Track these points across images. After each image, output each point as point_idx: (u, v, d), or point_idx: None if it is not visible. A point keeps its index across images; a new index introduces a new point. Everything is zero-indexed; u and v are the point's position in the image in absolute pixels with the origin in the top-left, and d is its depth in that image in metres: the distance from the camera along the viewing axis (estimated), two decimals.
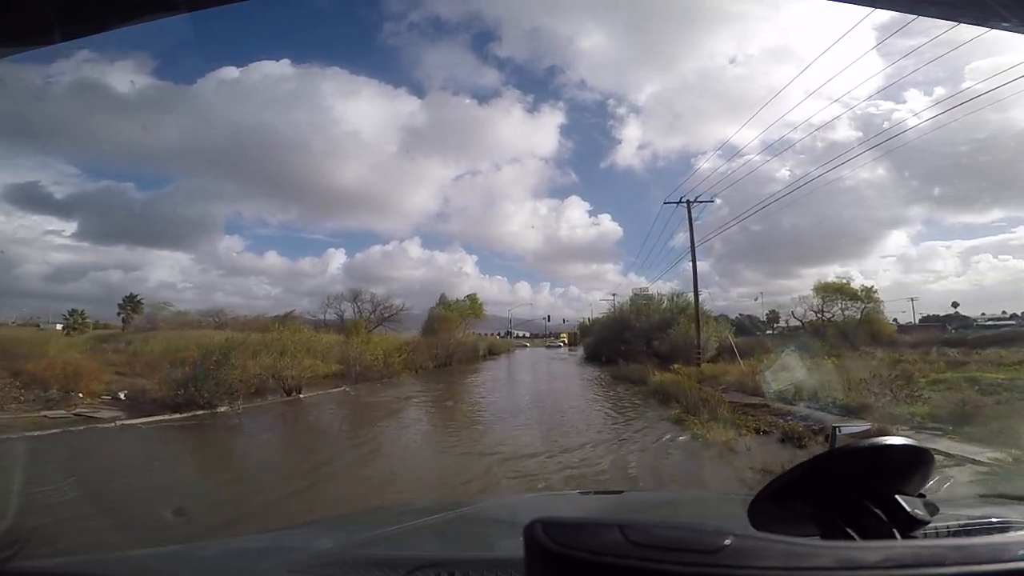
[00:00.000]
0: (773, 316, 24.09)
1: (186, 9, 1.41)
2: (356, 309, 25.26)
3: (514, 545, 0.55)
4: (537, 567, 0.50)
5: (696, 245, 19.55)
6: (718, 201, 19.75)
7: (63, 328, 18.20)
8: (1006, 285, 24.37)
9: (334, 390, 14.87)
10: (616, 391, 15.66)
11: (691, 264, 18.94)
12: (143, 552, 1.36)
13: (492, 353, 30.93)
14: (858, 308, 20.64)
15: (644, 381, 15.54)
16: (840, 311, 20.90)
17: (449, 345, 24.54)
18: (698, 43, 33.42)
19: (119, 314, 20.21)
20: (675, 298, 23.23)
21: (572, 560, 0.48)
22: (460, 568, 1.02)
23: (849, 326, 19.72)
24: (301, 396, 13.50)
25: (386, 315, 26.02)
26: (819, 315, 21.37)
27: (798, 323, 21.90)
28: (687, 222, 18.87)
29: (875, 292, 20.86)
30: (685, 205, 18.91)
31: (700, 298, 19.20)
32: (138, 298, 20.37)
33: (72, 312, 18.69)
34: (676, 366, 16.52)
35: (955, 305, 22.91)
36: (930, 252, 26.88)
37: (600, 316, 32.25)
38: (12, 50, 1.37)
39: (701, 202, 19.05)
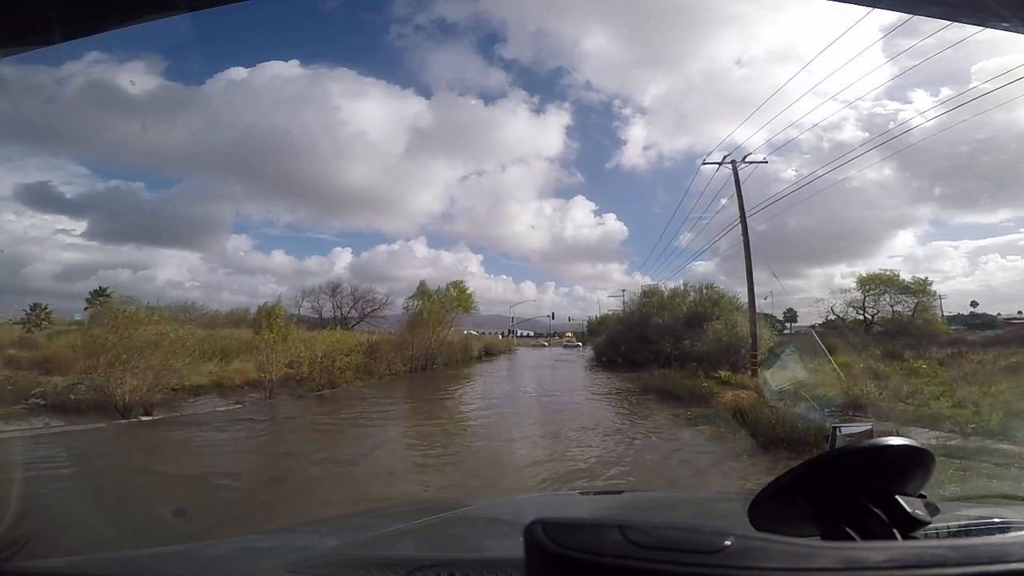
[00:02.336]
0: (791, 315, 22.86)
1: (186, 9, 1.41)
2: (335, 303, 23.08)
3: (514, 545, 0.55)
4: (537, 568, 0.50)
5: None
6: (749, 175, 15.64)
7: (22, 323, 16.55)
8: (1015, 285, 24.16)
9: (224, 408, 11.15)
10: (661, 418, 10.11)
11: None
12: (144, 552, 1.36)
13: (489, 354, 28.78)
14: (910, 303, 18.27)
15: (700, 398, 10.88)
16: (889, 306, 18.57)
17: (429, 344, 20.02)
18: (703, 45, 33.49)
19: (86, 308, 18.97)
20: (704, 289, 19.53)
21: (572, 560, 0.48)
22: (460, 568, 1.02)
23: (901, 323, 17.43)
24: (147, 418, 9.87)
25: (368, 310, 23.46)
26: (861, 311, 18.97)
27: (836, 319, 19.15)
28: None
29: (930, 284, 18.44)
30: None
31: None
32: (108, 292, 19.12)
33: (34, 307, 17.20)
34: (723, 373, 12.86)
35: (974, 304, 22.34)
36: (938, 252, 26.71)
37: (610, 313, 30.17)
38: (12, 50, 1.37)
39: (751, 163, 15.11)
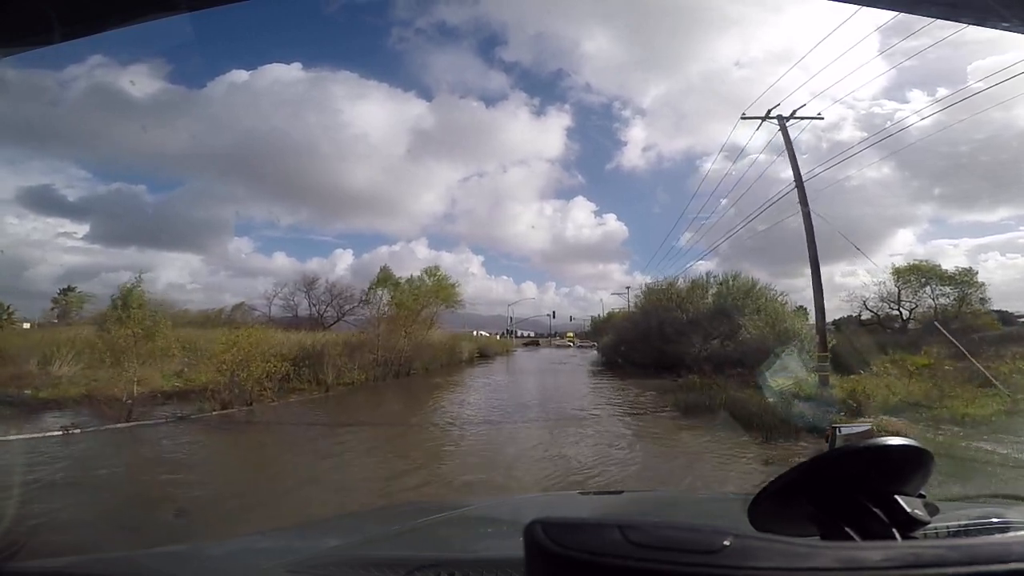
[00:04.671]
0: (801, 312, 23.19)
1: (186, 9, 1.41)
2: (311, 301, 21.34)
3: (514, 545, 0.55)
4: (537, 568, 0.50)
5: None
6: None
7: None
8: (1015, 283, 24.15)
9: (37, 436, 8.18)
10: (742, 471, 6.29)
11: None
12: (144, 552, 1.36)
13: (484, 356, 26.87)
14: (955, 296, 16.65)
15: (780, 426, 7.58)
16: (932, 299, 16.92)
17: (402, 346, 16.25)
18: (702, 46, 33.70)
19: (52, 308, 18.82)
20: (731, 279, 17.11)
21: (572, 561, 0.48)
22: (460, 568, 1.02)
23: (947, 318, 15.44)
24: None
25: (347, 307, 21.41)
26: (897, 305, 17.42)
27: (872, 314, 17.54)
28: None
29: (976, 275, 16.69)
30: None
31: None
32: (76, 290, 18.98)
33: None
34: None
35: (982, 302, 22.44)
36: (938, 251, 26.93)
37: (616, 311, 29.53)
38: (12, 50, 1.37)
39: (800, 118, 12.70)
